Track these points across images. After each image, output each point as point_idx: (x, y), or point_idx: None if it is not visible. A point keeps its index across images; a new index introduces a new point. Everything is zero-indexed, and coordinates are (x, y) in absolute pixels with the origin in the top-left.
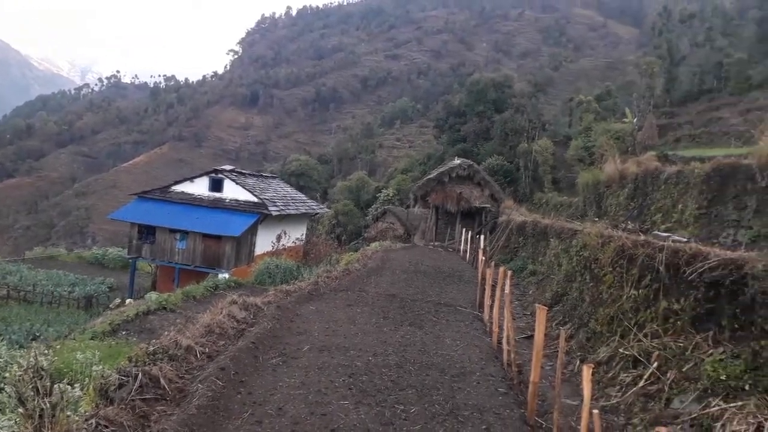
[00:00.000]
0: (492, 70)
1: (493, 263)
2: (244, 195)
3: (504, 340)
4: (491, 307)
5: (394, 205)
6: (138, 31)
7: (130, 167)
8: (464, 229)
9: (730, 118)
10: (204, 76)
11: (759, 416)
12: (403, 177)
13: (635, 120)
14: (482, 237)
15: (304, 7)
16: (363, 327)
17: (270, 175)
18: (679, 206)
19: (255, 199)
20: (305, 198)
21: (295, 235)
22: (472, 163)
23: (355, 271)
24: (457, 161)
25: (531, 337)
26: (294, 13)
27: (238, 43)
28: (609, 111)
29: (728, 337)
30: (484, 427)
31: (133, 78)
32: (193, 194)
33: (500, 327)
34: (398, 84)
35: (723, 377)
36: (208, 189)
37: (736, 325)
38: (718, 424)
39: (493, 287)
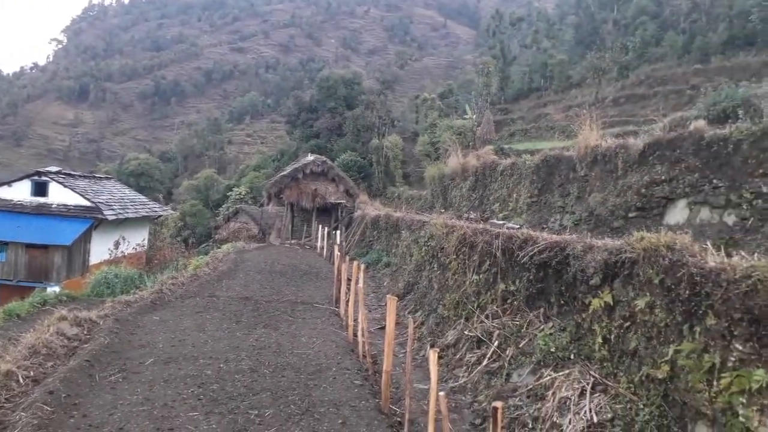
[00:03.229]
0: (341, 67)
1: (348, 258)
2: (74, 199)
3: (359, 333)
4: (347, 301)
5: (247, 204)
6: None
7: None
8: (321, 226)
9: (555, 113)
10: (22, 68)
11: (582, 381)
12: (255, 174)
13: (475, 116)
14: (338, 232)
15: None
16: (213, 333)
17: (105, 176)
18: (514, 195)
19: (88, 203)
20: (146, 200)
21: (136, 240)
22: (326, 159)
23: (204, 275)
24: (311, 157)
25: (385, 328)
26: (126, 0)
27: (63, 31)
28: (451, 108)
29: (556, 313)
30: (340, 421)
31: None
32: (12, 200)
33: (356, 320)
34: (246, 78)
35: (552, 349)
36: (30, 194)
37: (562, 301)
38: (550, 393)
39: (349, 281)
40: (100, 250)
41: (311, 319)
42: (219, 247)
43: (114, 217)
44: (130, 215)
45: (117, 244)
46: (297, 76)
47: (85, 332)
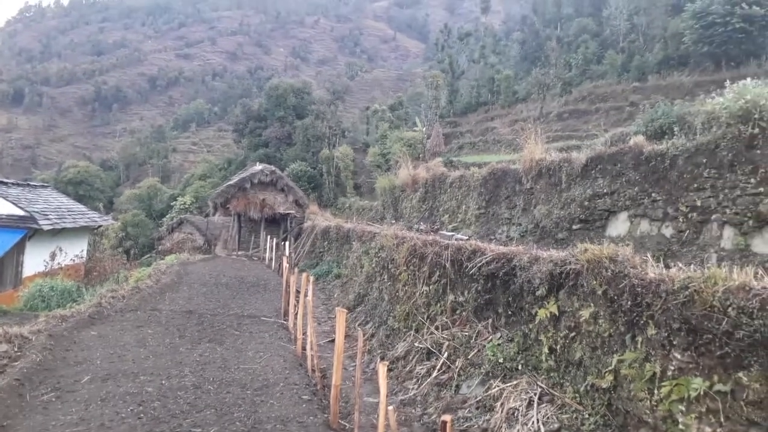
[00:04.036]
0: (291, 76)
1: (297, 270)
2: (6, 208)
3: (308, 347)
4: (296, 314)
5: (192, 214)
6: None
7: None
8: (269, 237)
9: (501, 127)
10: None
11: (530, 392)
12: (201, 183)
13: (424, 128)
14: (287, 243)
15: None
16: (155, 349)
17: (41, 183)
18: (463, 207)
19: (21, 213)
20: (85, 209)
21: (74, 251)
22: (274, 168)
23: (146, 288)
24: (259, 167)
25: (335, 341)
26: (66, 2)
27: None
28: (401, 120)
29: (504, 323)
30: None
31: None
32: None
33: (304, 334)
34: (192, 85)
35: (501, 360)
36: None
37: (510, 312)
38: (498, 404)
39: (298, 294)
40: (34, 261)
41: (258, 333)
42: (162, 259)
43: (50, 227)
44: (68, 225)
45: (53, 256)
46: (245, 84)
47: (16, 349)
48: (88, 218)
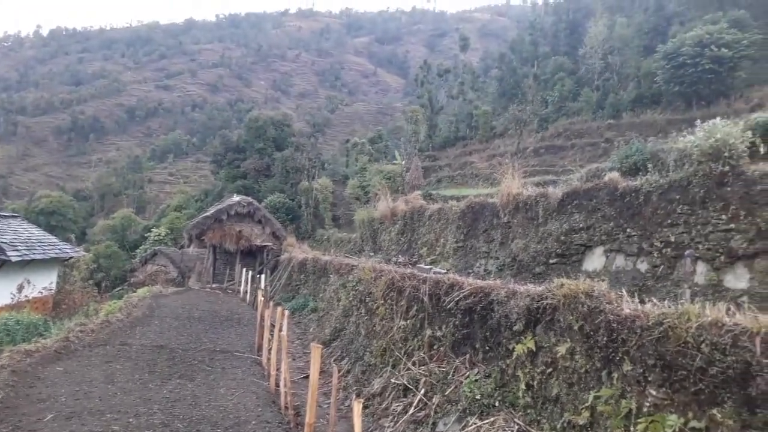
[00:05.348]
0: (271, 108)
1: (272, 303)
2: None
3: (281, 383)
4: (270, 349)
5: (167, 246)
6: None
7: None
8: (245, 269)
9: (479, 162)
10: None
11: (507, 429)
12: (177, 215)
13: (404, 162)
14: (263, 276)
15: (58, 27)
16: (123, 385)
17: (11, 213)
18: (441, 240)
19: None
20: (56, 240)
21: (43, 283)
22: (252, 200)
23: (116, 321)
24: (236, 198)
25: (309, 377)
26: (45, 33)
27: None
28: (381, 153)
29: (482, 359)
30: None
31: None
32: None
33: (278, 369)
34: (171, 116)
35: (478, 396)
36: None
37: (487, 347)
38: None
39: (273, 328)
40: (0, 294)
41: (231, 369)
42: (134, 291)
43: (19, 258)
44: (37, 256)
45: (21, 288)
46: (224, 115)
47: None
48: (59, 249)
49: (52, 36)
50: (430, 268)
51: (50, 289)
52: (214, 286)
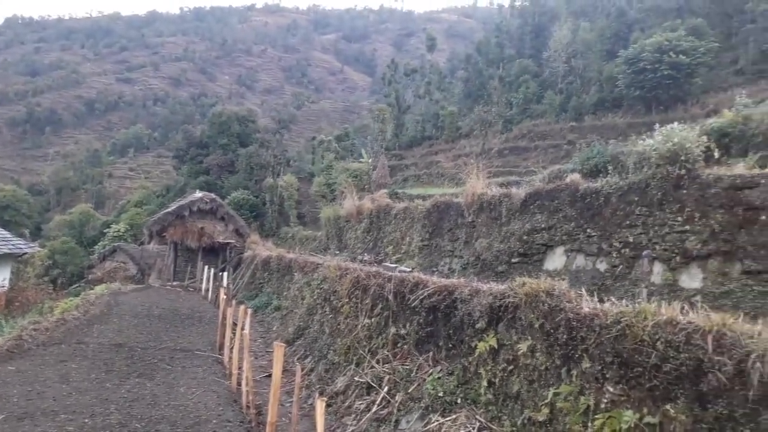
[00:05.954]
0: (235, 104)
1: (235, 301)
2: None
3: (243, 382)
4: (232, 348)
5: (127, 242)
6: None
7: None
8: (207, 267)
9: (445, 161)
10: None
11: (468, 426)
12: (137, 211)
13: (370, 160)
14: (226, 274)
15: (14, 15)
16: (79, 385)
17: None
18: (407, 238)
19: None
20: (9, 235)
21: None
22: (215, 196)
23: (72, 319)
24: (198, 194)
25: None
26: (0, 20)
27: None
28: (347, 151)
29: (444, 357)
30: None
31: None
32: None
33: (240, 368)
34: (132, 110)
35: (441, 394)
36: None
37: (450, 345)
38: None
39: (235, 327)
40: None
41: (191, 368)
42: (92, 289)
43: None
44: None
45: None
46: (187, 110)
47: None
48: (12, 245)
49: (8, 24)
50: (396, 267)
51: (2, 286)
52: (175, 283)
